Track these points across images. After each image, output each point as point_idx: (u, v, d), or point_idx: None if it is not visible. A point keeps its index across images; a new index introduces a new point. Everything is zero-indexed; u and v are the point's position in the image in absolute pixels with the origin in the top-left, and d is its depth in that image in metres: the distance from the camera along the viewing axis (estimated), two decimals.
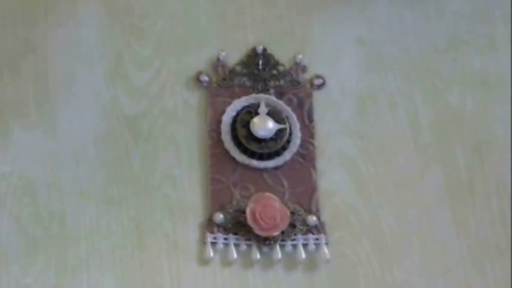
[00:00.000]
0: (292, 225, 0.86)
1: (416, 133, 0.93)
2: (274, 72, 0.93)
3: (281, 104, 0.91)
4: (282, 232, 0.85)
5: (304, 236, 0.86)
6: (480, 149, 0.93)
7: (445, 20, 1.00)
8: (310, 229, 0.86)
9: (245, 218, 0.84)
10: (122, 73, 0.92)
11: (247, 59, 0.94)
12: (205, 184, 0.87)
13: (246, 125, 0.89)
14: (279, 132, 0.89)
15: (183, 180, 0.87)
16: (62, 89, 0.90)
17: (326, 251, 0.85)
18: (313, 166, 0.89)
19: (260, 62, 0.94)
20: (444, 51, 0.98)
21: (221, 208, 0.86)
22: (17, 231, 0.82)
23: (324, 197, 0.88)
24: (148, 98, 0.91)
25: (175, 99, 0.91)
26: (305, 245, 0.85)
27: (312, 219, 0.86)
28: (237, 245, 0.85)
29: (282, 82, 0.93)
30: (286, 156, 0.89)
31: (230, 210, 0.86)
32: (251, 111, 0.90)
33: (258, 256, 0.84)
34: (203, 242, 0.85)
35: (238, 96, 0.91)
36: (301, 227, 0.86)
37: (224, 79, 0.92)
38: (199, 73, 0.92)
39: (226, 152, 0.88)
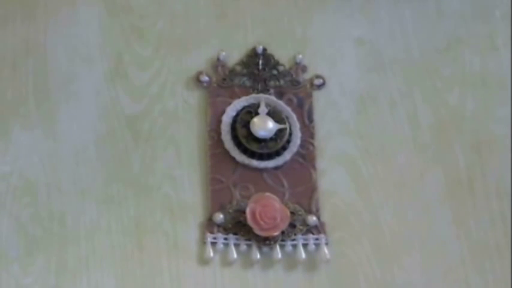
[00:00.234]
0: (292, 225, 0.86)
1: (416, 133, 0.93)
2: (274, 72, 0.93)
3: (281, 104, 0.91)
4: (282, 232, 0.85)
5: (304, 236, 0.86)
6: (480, 149, 0.93)
7: (445, 20, 1.00)
8: (310, 229, 0.86)
9: (245, 218, 0.84)
10: (122, 73, 0.92)
11: (247, 59, 0.94)
12: (205, 184, 0.87)
13: (246, 125, 0.89)
14: (279, 132, 0.89)
15: (183, 180, 0.87)
16: (62, 89, 0.90)
17: (326, 251, 0.85)
18: (313, 166, 0.89)
19: (260, 62, 0.94)
20: (444, 51, 0.98)
21: (221, 208, 0.86)
22: (17, 231, 0.82)
23: (324, 197, 0.88)
24: (149, 98, 0.91)
25: (175, 99, 0.91)
26: (305, 245, 0.85)
27: (312, 219, 0.86)
28: (237, 245, 0.85)
29: (282, 82, 0.93)
30: (286, 156, 0.89)
31: (230, 210, 0.86)
32: (251, 111, 0.90)
33: (258, 256, 0.84)
34: (203, 242, 0.85)
35: (238, 96, 0.91)
36: (301, 227, 0.86)
37: (224, 79, 0.92)
38: (199, 73, 0.92)
39: (226, 152, 0.88)
